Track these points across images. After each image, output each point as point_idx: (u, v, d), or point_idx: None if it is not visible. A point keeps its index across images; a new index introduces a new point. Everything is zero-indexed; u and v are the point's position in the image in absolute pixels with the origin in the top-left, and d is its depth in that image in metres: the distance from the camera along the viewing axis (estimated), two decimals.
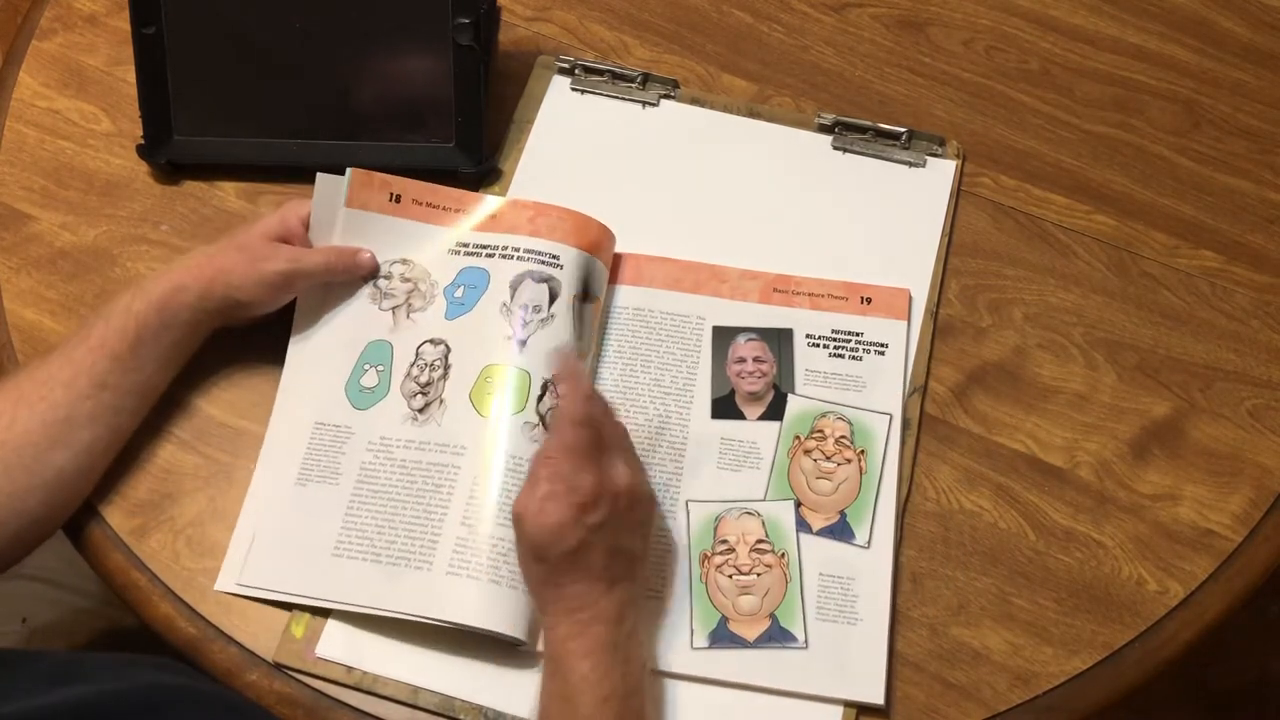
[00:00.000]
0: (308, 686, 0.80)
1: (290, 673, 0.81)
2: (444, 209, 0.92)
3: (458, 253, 0.91)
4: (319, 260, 0.88)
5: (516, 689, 0.80)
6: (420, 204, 0.92)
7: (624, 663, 0.74)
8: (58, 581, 1.04)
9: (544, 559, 0.75)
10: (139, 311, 0.83)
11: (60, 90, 1.03)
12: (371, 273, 0.90)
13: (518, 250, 0.90)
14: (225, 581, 0.83)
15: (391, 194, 0.91)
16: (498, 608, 0.79)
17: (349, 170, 0.90)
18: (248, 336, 0.89)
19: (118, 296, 0.84)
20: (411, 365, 0.87)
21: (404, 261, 0.91)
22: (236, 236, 0.87)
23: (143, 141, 0.98)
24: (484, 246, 0.90)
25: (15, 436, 0.79)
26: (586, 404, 0.78)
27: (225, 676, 0.81)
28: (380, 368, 0.88)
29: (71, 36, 1.05)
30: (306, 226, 0.89)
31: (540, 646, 0.80)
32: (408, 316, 0.89)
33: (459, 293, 0.89)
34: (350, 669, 0.80)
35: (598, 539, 0.75)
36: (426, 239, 0.91)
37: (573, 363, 0.84)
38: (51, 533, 0.83)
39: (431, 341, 0.88)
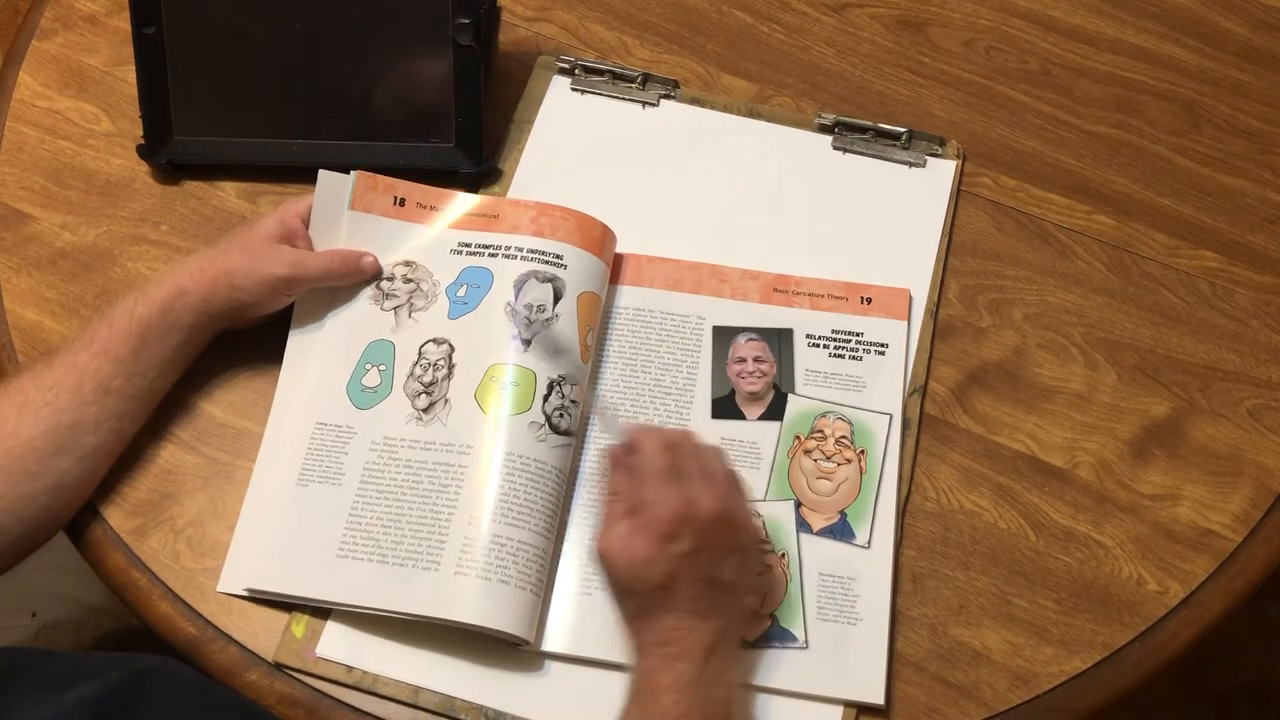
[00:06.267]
0: (308, 686, 0.80)
1: (290, 672, 0.80)
2: (447, 211, 0.92)
3: (459, 252, 0.91)
4: (322, 264, 0.88)
5: (517, 689, 0.80)
6: (424, 207, 0.92)
7: (707, 701, 0.73)
8: (67, 575, 1.04)
9: (633, 593, 0.74)
10: (141, 315, 0.83)
11: (60, 90, 1.03)
12: (375, 276, 0.90)
13: (521, 250, 0.90)
14: (228, 583, 0.83)
15: (396, 197, 0.92)
16: (502, 607, 0.79)
17: (354, 173, 0.90)
18: (248, 336, 0.89)
19: (120, 299, 0.84)
20: (414, 365, 0.87)
21: (407, 263, 0.91)
22: (238, 238, 0.87)
23: (143, 141, 0.98)
24: (486, 246, 0.91)
25: (20, 443, 0.79)
26: (655, 436, 0.77)
27: (225, 676, 0.81)
28: (382, 367, 0.88)
29: (71, 36, 1.05)
30: (307, 224, 0.89)
31: (543, 646, 0.80)
32: (410, 316, 0.89)
33: (461, 292, 0.89)
34: (350, 668, 0.80)
35: (686, 569, 0.73)
36: (429, 240, 0.91)
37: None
38: (53, 535, 0.83)
39: (435, 341, 0.88)
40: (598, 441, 0.87)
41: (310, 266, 0.87)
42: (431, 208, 0.92)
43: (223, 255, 0.85)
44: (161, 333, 0.83)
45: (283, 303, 0.88)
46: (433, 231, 0.92)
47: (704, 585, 0.74)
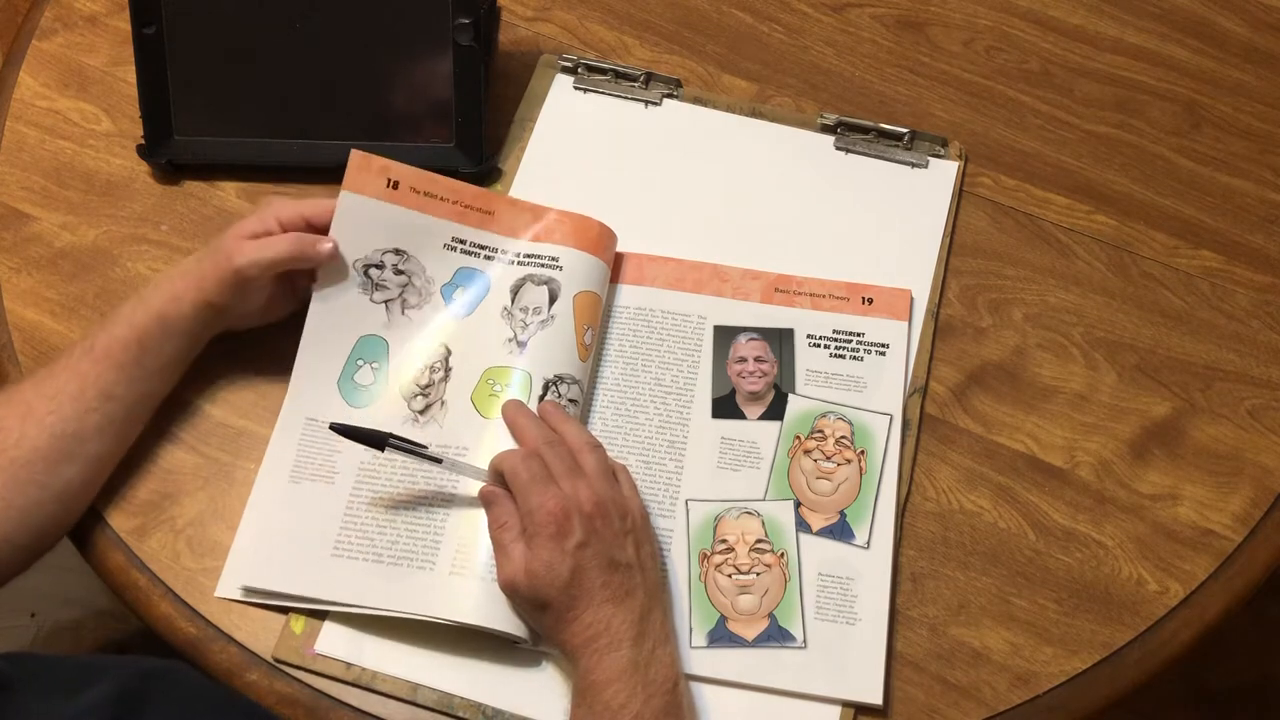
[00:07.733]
0: (308, 686, 0.80)
1: (289, 670, 0.80)
2: (441, 199, 0.89)
3: (453, 248, 0.90)
4: (277, 249, 0.84)
5: (515, 686, 0.80)
6: (418, 192, 0.89)
7: (647, 683, 0.73)
8: (67, 576, 1.03)
9: (546, 602, 0.75)
10: (140, 323, 0.83)
11: (60, 90, 1.03)
12: (330, 261, 0.86)
13: (518, 255, 0.90)
14: (226, 588, 0.83)
15: (389, 180, 0.88)
16: (500, 606, 0.79)
17: (351, 151, 0.88)
18: (248, 336, 0.89)
19: (120, 307, 0.84)
20: (411, 367, 0.87)
21: (397, 252, 0.89)
22: (213, 242, 0.85)
23: (143, 141, 0.98)
24: (483, 247, 0.90)
25: (25, 452, 0.79)
26: (515, 452, 0.80)
27: (225, 676, 0.81)
28: (375, 365, 0.88)
29: (71, 36, 1.05)
30: (287, 228, 0.86)
31: (541, 645, 0.80)
32: (403, 313, 0.89)
33: (457, 294, 0.89)
34: (349, 665, 0.80)
35: (586, 560, 0.75)
36: (423, 231, 0.89)
37: (512, 409, 0.84)
38: (58, 541, 0.83)
39: (431, 344, 0.88)
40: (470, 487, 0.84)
41: (265, 254, 0.84)
42: (426, 194, 0.89)
43: (205, 259, 0.84)
44: (160, 339, 0.83)
45: (258, 300, 0.86)
46: (426, 222, 0.89)
47: (609, 571, 0.76)
